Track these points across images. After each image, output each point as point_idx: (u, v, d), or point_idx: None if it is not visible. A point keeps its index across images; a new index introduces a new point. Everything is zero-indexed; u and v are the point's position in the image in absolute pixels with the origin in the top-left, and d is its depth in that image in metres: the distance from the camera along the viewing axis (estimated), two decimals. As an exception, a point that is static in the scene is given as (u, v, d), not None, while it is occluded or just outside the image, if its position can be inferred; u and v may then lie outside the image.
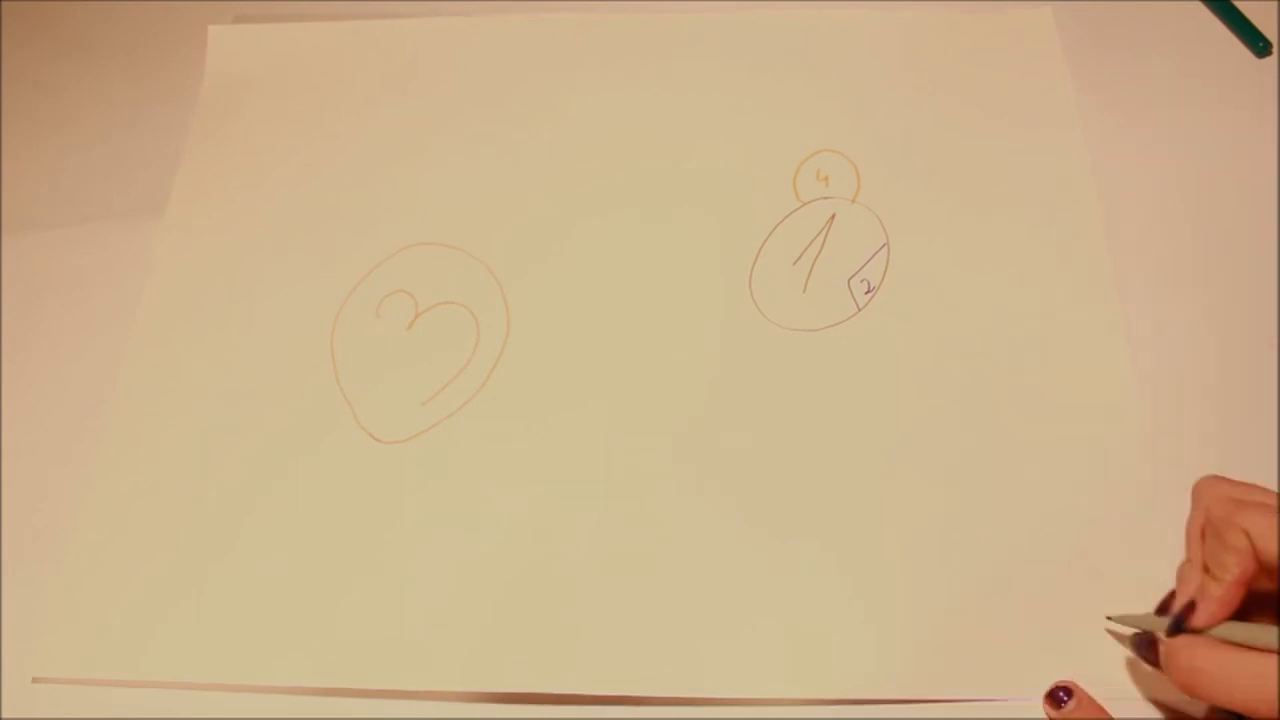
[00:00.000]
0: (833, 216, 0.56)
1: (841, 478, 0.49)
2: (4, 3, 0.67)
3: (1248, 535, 0.38)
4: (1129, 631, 0.43)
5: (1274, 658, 0.36)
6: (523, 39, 0.63)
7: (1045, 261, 0.54)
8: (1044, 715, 0.44)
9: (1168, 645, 0.39)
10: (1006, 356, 0.52)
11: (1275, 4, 0.60)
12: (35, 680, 0.48)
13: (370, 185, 0.60)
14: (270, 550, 0.50)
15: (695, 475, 0.50)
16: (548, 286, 0.56)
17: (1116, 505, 0.47)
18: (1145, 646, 0.41)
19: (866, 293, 0.54)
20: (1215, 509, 0.40)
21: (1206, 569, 0.40)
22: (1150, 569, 0.46)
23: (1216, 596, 0.39)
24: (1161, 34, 0.60)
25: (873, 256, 0.55)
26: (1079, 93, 0.58)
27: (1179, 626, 0.39)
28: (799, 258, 0.55)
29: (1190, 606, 0.39)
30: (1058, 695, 0.43)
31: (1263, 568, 0.38)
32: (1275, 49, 0.59)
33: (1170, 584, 0.43)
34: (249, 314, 0.56)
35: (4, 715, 0.47)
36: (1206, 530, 0.40)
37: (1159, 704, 0.44)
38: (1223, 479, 0.41)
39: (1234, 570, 0.38)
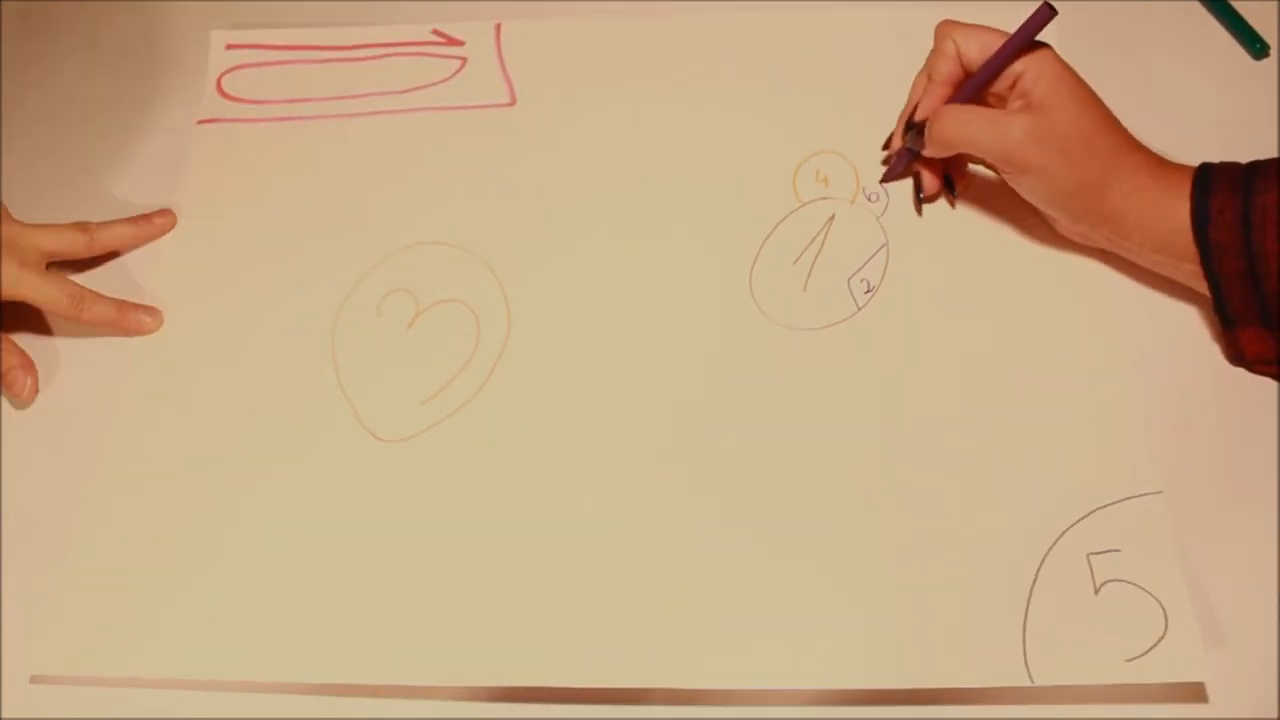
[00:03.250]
0: (832, 217, 0.57)
1: (840, 475, 0.49)
2: (4, 3, 0.66)
3: (955, 44, 0.52)
4: (901, 138, 0.55)
5: (1000, 111, 0.51)
6: (523, 45, 0.64)
7: (1044, 260, 0.54)
8: (1046, 716, 0.44)
9: (930, 120, 0.52)
10: (1005, 355, 0.52)
11: (1274, 5, 0.61)
12: (34, 679, 0.48)
13: (371, 184, 0.60)
14: (271, 548, 0.50)
15: (695, 472, 0.50)
16: (548, 284, 0.56)
17: (1114, 502, 0.48)
18: (916, 133, 0.54)
19: (866, 292, 0.54)
20: (937, 32, 0.53)
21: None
22: (1149, 566, 0.46)
23: (931, 92, 0.53)
24: (1159, 34, 0.61)
25: (872, 256, 0.55)
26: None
27: (910, 124, 0.54)
28: (799, 257, 0.56)
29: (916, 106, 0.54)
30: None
31: (965, 69, 0.52)
32: (1273, 51, 0.60)
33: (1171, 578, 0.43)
34: (250, 312, 0.56)
35: (3, 715, 0.47)
36: (931, 53, 0.54)
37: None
38: (954, 22, 0.53)
39: (940, 71, 0.53)
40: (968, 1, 0.61)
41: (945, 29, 0.52)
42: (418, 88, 0.63)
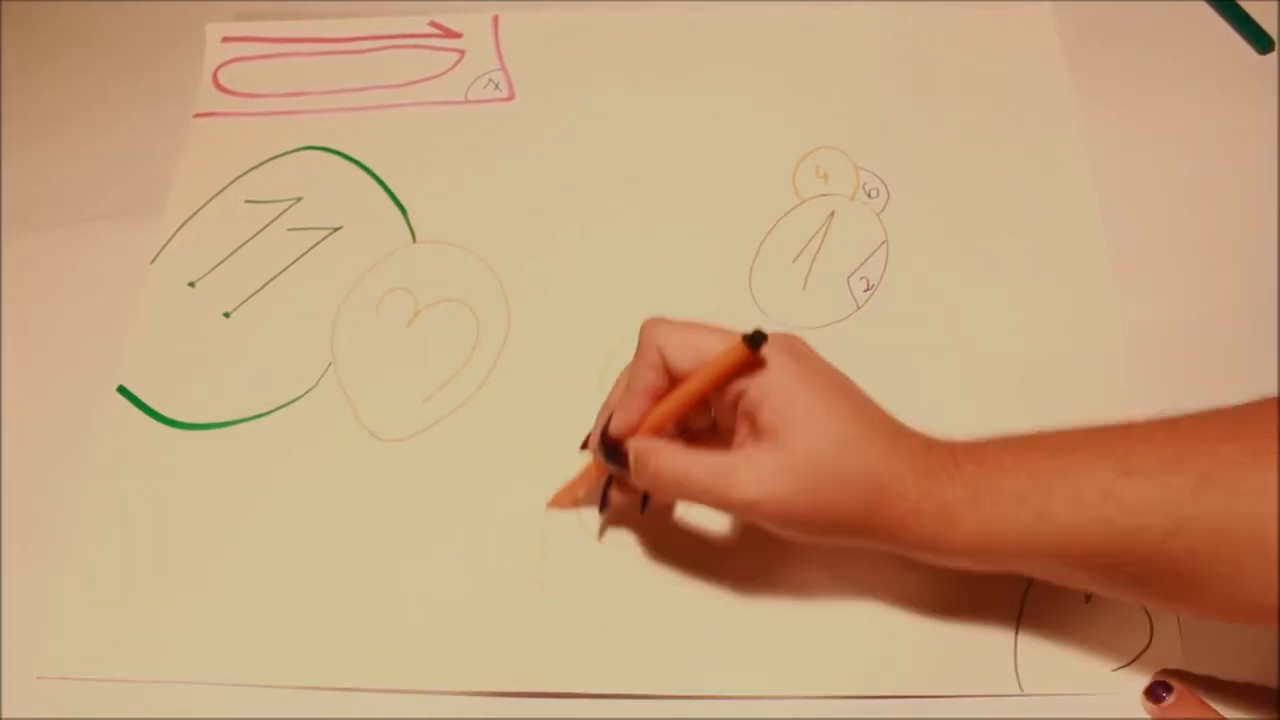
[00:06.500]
0: (832, 214, 0.56)
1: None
2: (4, 3, 0.66)
3: (660, 351, 0.41)
4: (598, 449, 0.44)
5: (717, 453, 0.40)
6: (521, 37, 0.63)
7: (1043, 258, 0.54)
8: (1041, 716, 0.44)
9: (635, 450, 0.42)
10: (1005, 356, 0.52)
11: (1276, 2, 0.60)
12: (39, 678, 0.48)
13: (369, 181, 0.59)
14: (271, 548, 0.50)
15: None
16: (548, 283, 0.56)
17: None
18: (613, 455, 0.43)
19: (865, 290, 0.54)
20: (641, 332, 0.42)
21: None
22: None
23: (628, 405, 0.42)
24: (1162, 31, 0.60)
25: (872, 254, 0.55)
26: (1080, 90, 0.58)
27: (604, 437, 0.43)
28: (799, 255, 0.55)
29: (610, 418, 0.43)
30: (1157, 691, 0.43)
31: (674, 380, 0.42)
32: (1278, 46, 0.59)
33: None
34: (249, 312, 0.56)
35: (5, 714, 0.47)
36: (635, 356, 0.43)
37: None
38: (664, 319, 0.42)
39: (641, 381, 0.42)
40: (968, 1, 0.61)
41: (649, 330, 0.42)
42: (415, 81, 0.62)
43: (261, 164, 0.60)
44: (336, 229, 0.58)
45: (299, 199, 0.59)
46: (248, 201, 0.59)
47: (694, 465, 0.40)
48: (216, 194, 0.59)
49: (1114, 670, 0.45)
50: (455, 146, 0.60)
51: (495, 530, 0.49)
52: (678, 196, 0.57)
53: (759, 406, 0.39)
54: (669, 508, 0.49)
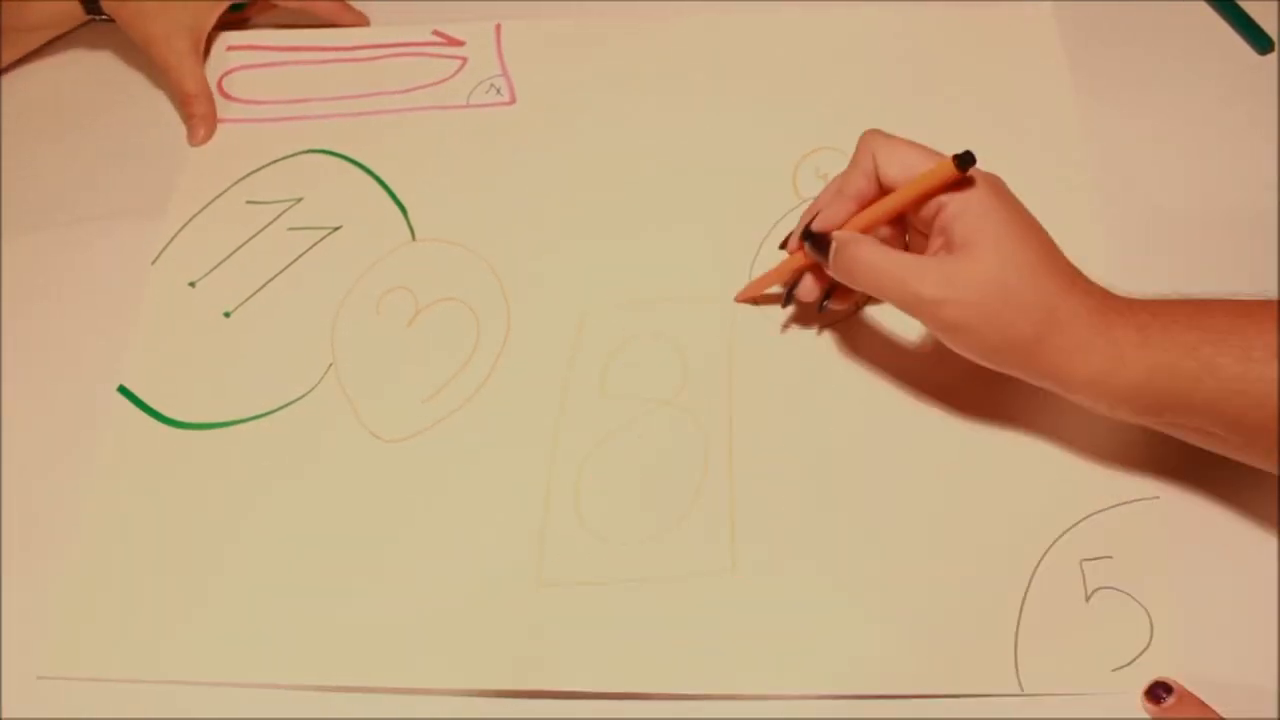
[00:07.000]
0: (832, 214, 0.56)
1: (841, 474, 0.49)
2: (4, 3, 0.67)
3: (874, 159, 0.45)
4: (803, 240, 0.47)
5: (911, 254, 0.44)
6: (523, 44, 0.64)
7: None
8: (1041, 716, 0.44)
9: (838, 239, 0.45)
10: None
11: (1276, 2, 0.60)
12: (39, 678, 0.48)
13: (370, 183, 0.60)
14: (272, 548, 0.50)
15: (693, 472, 0.50)
16: (548, 283, 0.56)
17: (1109, 508, 0.47)
18: (818, 244, 0.46)
19: (865, 291, 0.54)
20: (860, 142, 0.46)
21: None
22: (1140, 573, 0.46)
23: (835, 206, 0.46)
24: (1162, 31, 0.60)
25: (872, 254, 0.55)
26: (1080, 90, 0.58)
27: (807, 233, 0.47)
28: (799, 255, 0.55)
29: (816, 215, 0.47)
30: (1157, 692, 0.43)
31: (882, 189, 0.45)
32: (1277, 46, 0.59)
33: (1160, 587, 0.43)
34: (249, 312, 0.56)
35: (5, 714, 0.47)
36: (850, 163, 0.46)
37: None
38: (882, 131, 0.46)
39: (853, 186, 0.45)
40: (968, 1, 0.61)
41: (868, 141, 0.45)
42: (418, 87, 0.63)
43: (263, 167, 0.61)
44: (336, 228, 0.58)
45: (299, 199, 0.59)
46: (248, 202, 0.59)
47: (889, 258, 0.43)
48: (218, 196, 0.60)
49: (1114, 670, 0.44)
50: (456, 147, 0.60)
51: (495, 530, 0.49)
52: (678, 196, 0.57)
53: (955, 221, 0.43)
54: (846, 311, 0.52)
